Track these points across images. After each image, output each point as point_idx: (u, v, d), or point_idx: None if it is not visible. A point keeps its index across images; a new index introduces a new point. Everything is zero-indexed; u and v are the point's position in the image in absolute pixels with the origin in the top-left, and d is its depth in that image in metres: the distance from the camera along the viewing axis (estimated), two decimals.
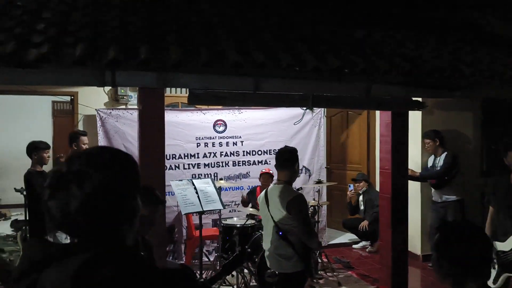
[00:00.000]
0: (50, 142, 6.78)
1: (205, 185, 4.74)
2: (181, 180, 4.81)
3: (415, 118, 5.75)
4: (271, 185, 3.53)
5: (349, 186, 6.84)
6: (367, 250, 6.77)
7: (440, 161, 5.71)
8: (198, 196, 4.55)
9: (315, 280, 5.13)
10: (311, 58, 3.59)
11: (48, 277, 1.04)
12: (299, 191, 3.84)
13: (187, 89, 6.69)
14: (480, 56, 4.54)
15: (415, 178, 5.74)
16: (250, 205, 5.81)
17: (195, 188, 4.62)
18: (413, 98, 4.62)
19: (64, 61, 3.00)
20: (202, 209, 4.50)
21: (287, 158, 3.38)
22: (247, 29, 4.11)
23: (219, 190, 4.97)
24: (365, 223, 6.52)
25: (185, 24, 3.91)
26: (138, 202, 1.16)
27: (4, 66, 2.88)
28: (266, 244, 3.53)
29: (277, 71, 3.45)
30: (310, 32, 4.32)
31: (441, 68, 3.99)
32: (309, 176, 6.75)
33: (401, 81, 3.83)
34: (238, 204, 6.31)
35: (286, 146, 3.58)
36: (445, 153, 5.71)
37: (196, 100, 3.85)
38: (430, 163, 5.89)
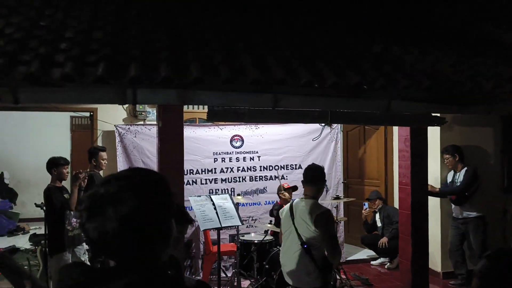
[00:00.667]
0: (68, 157, 6.87)
1: (223, 201, 4.74)
2: (200, 196, 4.81)
3: (433, 133, 5.70)
4: (297, 199, 3.61)
5: (364, 204, 6.76)
6: (386, 267, 6.67)
7: (460, 176, 5.62)
8: (217, 212, 4.54)
9: None
10: (331, 74, 3.59)
11: None
12: None
13: (205, 106, 6.77)
14: (500, 70, 4.49)
15: (434, 194, 5.66)
16: (272, 220, 5.78)
17: (213, 204, 4.62)
18: (433, 114, 4.60)
19: (86, 80, 3.05)
20: (221, 225, 4.49)
21: (317, 175, 3.52)
22: (265, 45, 4.14)
23: (236, 205, 4.96)
24: (384, 240, 6.44)
25: (204, 41, 3.95)
26: (172, 224, 1.17)
27: (29, 85, 2.94)
28: (285, 258, 3.54)
29: (297, 87, 3.46)
30: (328, 48, 4.33)
31: (461, 83, 3.96)
32: (326, 191, 6.70)
33: (420, 97, 3.80)
34: (255, 219, 6.30)
35: (314, 164, 3.71)
36: (465, 168, 5.62)
37: (215, 117, 3.88)
38: (449, 179, 5.81)
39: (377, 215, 6.70)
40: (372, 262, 6.92)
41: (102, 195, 1.08)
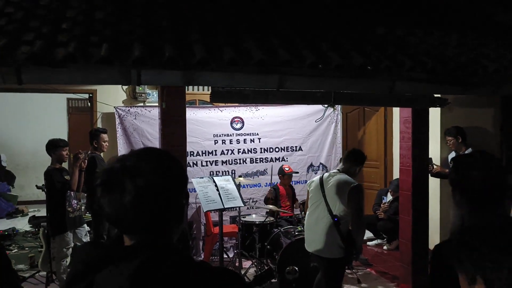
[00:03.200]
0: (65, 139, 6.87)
1: (226, 182, 4.75)
2: (202, 178, 4.82)
3: (434, 115, 5.69)
4: (327, 173, 3.86)
5: (383, 198, 6.72)
6: (384, 248, 6.74)
7: None
8: (219, 193, 4.56)
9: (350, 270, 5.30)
10: (335, 55, 3.57)
11: (104, 279, 1.06)
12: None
13: (205, 87, 6.74)
14: (503, 52, 4.48)
15: (443, 175, 5.67)
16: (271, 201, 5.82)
17: (216, 185, 4.63)
18: (435, 95, 4.60)
19: (90, 60, 3.02)
20: (223, 206, 4.51)
21: (354, 154, 3.86)
22: (268, 26, 4.10)
23: (238, 187, 4.98)
24: (383, 215, 6.48)
25: (208, 22, 3.91)
26: (185, 204, 1.19)
27: (32, 65, 2.90)
28: (312, 229, 3.75)
29: (301, 69, 3.44)
30: (331, 29, 4.30)
31: (465, 64, 3.95)
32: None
33: (424, 78, 3.79)
34: (256, 201, 6.33)
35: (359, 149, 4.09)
36: (470, 149, 5.62)
37: (219, 98, 3.86)
38: (450, 159, 5.80)
39: (389, 198, 6.65)
40: (368, 243, 6.99)
41: (119, 169, 1.09)
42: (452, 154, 5.80)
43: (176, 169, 1.17)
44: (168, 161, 1.16)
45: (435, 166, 5.54)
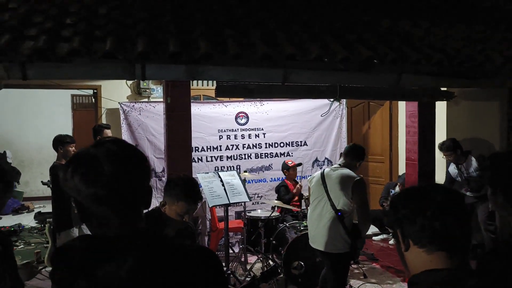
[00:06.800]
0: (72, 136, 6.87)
1: (231, 178, 4.73)
2: (207, 173, 4.80)
3: (440, 108, 5.64)
4: (328, 168, 3.83)
5: (391, 191, 6.67)
6: (390, 242, 6.71)
7: (472, 165, 5.45)
8: (225, 189, 4.54)
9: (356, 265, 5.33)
10: (340, 49, 3.54)
11: (103, 277, 1.07)
12: None
13: (209, 82, 6.73)
14: (510, 44, 4.43)
15: None
16: (276, 196, 5.80)
17: (221, 180, 4.61)
18: (441, 88, 4.56)
19: (94, 55, 3.01)
20: (229, 201, 4.49)
21: (353, 150, 3.82)
22: (273, 20, 4.07)
23: (244, 182, 4.96)
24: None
25: (212, 16, 3.89)
26: (150, 186, 1.23)
27: (37, 60, 2.90)
28: (316, 225, 3.73)
29: (306, 62, 3.41)
30: (336, 22, 4.26)
31: (472, 57, 3.91)
32: None
33: (431, 71, 3.76)
34: (261, 196, 6.31)
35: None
36: (471, 157, 5.45)
37: (224, 93, 3.85)
38: (453, 171, 5.63)
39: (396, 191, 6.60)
40: (374, 238, 6.97)
41: (96, 154, 1.12)
42: (452, 166, 5.67)
43: (139, 156, 1.21)
44: (131, 149, 1.21)
45: None
